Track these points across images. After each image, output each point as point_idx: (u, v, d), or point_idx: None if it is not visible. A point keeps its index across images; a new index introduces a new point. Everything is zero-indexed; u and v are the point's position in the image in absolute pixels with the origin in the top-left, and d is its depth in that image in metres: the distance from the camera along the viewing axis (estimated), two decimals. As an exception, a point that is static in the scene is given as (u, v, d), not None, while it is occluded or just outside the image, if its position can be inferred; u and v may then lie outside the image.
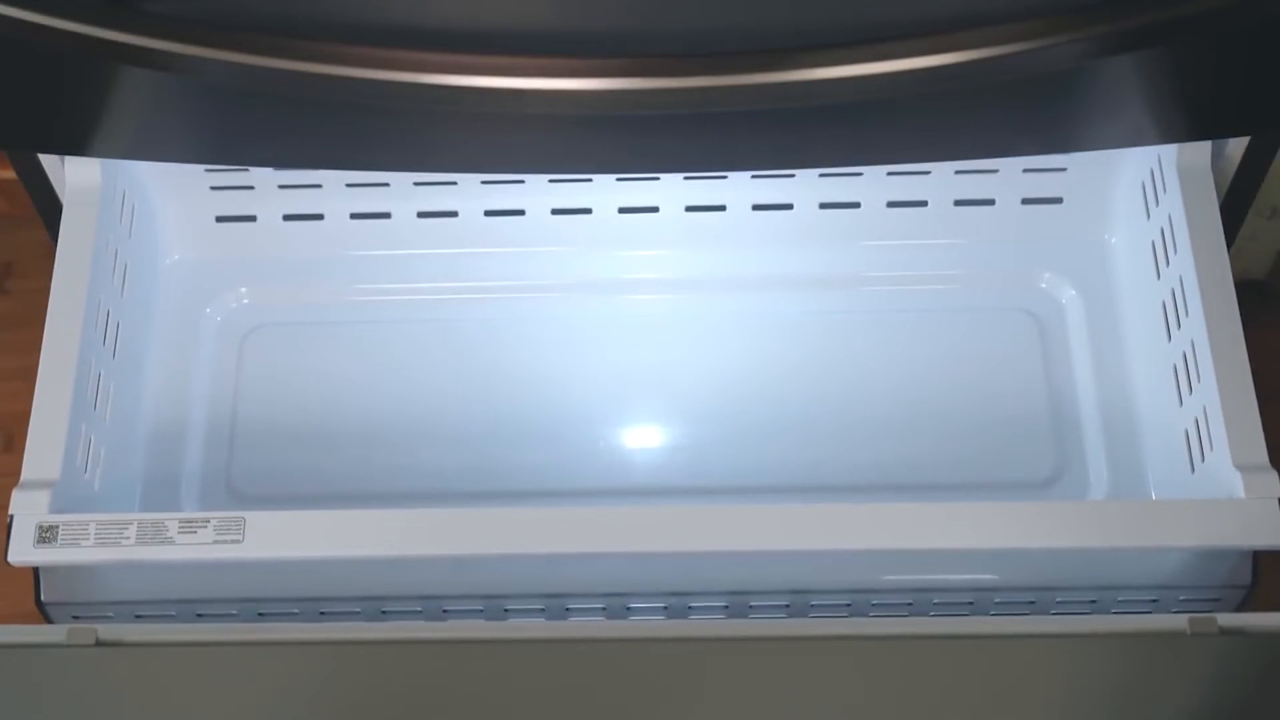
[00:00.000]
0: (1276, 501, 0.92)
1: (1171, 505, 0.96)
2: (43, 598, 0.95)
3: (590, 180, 1.11)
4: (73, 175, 1.04)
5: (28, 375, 0.97)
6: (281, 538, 0.92)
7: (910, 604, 0.98)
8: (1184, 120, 0.99)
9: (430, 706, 0.85)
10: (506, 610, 0.98)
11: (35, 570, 0.94)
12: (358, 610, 0.97)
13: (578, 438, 1.10)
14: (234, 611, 0.97)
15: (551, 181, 1.11)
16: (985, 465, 1.08)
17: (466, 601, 0.97)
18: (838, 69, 0.84)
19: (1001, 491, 1.05)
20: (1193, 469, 0.99)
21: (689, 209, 1.13)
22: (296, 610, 0.97)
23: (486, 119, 0.92)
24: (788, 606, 0.98)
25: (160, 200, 1.12)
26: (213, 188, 1.12)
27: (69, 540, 0.91)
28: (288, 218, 1.14)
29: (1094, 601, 0.97)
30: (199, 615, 0.97)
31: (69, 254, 1.02)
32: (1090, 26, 0.84)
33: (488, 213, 1.13)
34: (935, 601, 0.98)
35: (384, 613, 0.97)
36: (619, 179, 1.11)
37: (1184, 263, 1.01)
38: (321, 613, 0.97)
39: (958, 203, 1.13)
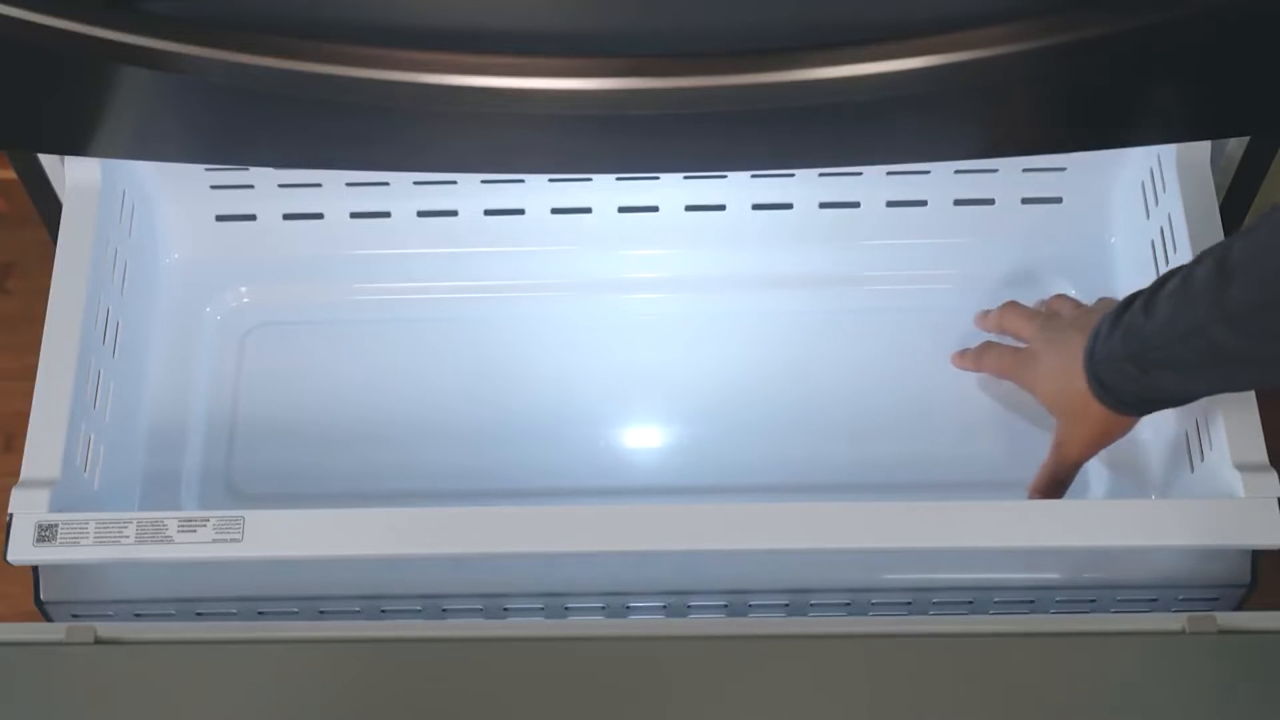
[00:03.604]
0: (1276, 501, 0.92)
1: (1171, 505, 0.96)
2: (42, 596, 0.95)
3: (590, 180, 1.11)
4: (73, 175, 1.04)
5: (28, 375, 0.97)
6: (281, 537, 0.92)
7: (910, 603, 0.98)
8: (1184, 120, 0.99)
9: (430, 705, 0.85)
10: (506, 609, 0.98)
11: (35, 569, 0.94)
12: (357, 609, 0.97)
13: (578, 437, 1.10)
14: (233, 610, 0.97)
15: (551, 181, 1.11)
16: (985, 465, 1.08)
17: (466, 600, 0.97)
18: (837, 69, 0.84)
19: (1001, 491, 1.05)
20: (1192, 469, 0.99)
21: (689, 209, 1.13)
22: (296, 609, 0.96)
23: (487, 119, 0.92)
24: (787, 605, 0.98)
25: (160, 200, 1.12)
26: (213, 187, 1.12)
27: (68, 539, 0.91)
28: (288, 217, 1.14)
29: (1093, 601, 0.97)
30: (198, 614, 0.97)
31: (69, 253, 1.02)
32: (1091, 27, 0.84)
33: (487, 212, 1.13)
34: (935, 601, 0.98)
35: (383, 611, 0.97)
36: (619, 178, 1.11)
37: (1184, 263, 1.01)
38: (321, 611, 0.97)
39: (957, 202, 1.13)
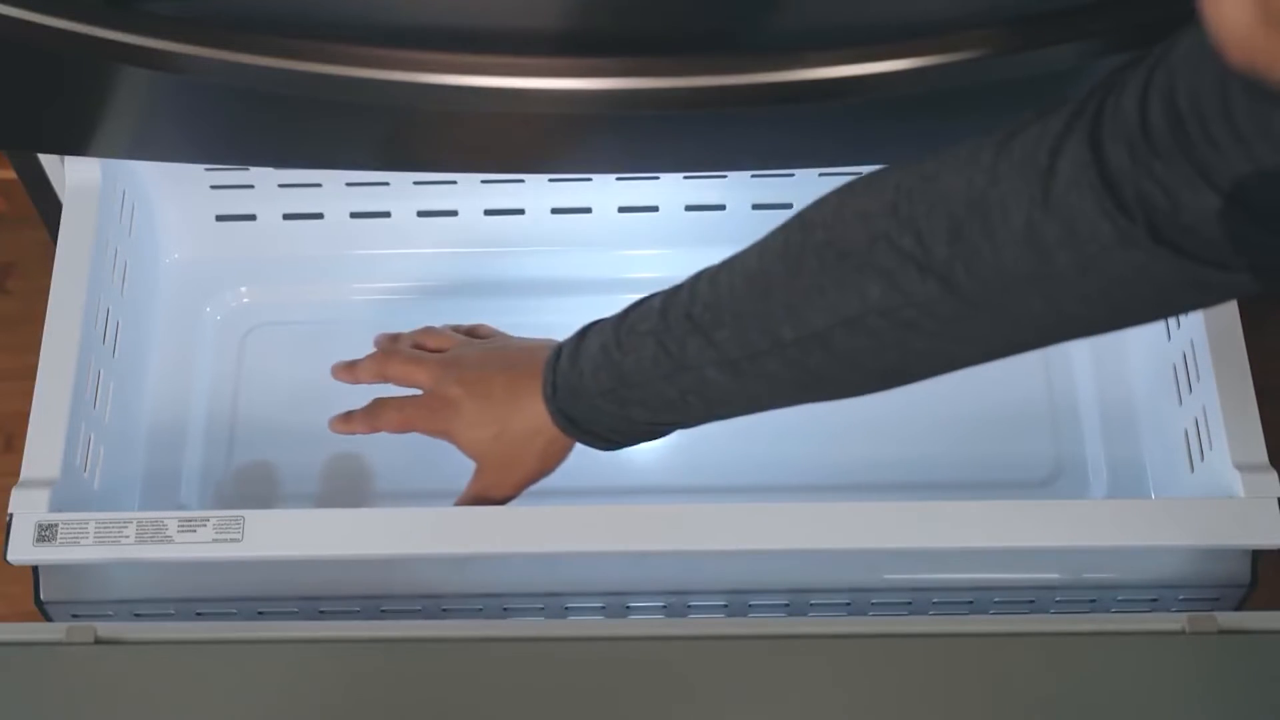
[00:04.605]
0: (1276, 501, 0.92)
1: (1171, 504, 0.96)
2: (42, 596, 0.95)
3: (590, 180, 1.11)
4: (73, 175, 1.04)
5: (28, 375, 0.97)
6: (281, 537, 0.92)
7: (910, 603, 0.98)
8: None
9: (429, 704, 0.85)
10: (506, 609, 0.98)
11: (35, 569, 0.94)
12: (357, 609, 0.97)
13: (578, 437, 1.09)
14: (233, 610, 0.97)
15: (551, 181, 1.11)
16: (985, 465, 1.08)
17: (466, 600, 0.97)
18: (836, 69, 0.84)
19: (1001, 491, 1.05)
20: (1192, 468, 0.99)
21: (689, 208, 1.13)
22: (295, 609, 0.96)
23: (487, 119, 0.92)
24: (787, 605, 0.98)
25: (160, 200, 1.12)
26: (213, 187, 1.12)
27: (68, 539, 0.91)
28: (288, 217, 1.14)
29: (1093, 601, 0.97)
30: (198, 613, 0.97)
31: (69, 254, 1.02)
32: (1087, 26, 0.84)
33: (488, 212, 1.13)
34: (935, 601, 0.98)
35: (383, 611, 0.97)
36: (619, 178, 1.11)
37: (1183, 262, 1.01)
38: (321, 611, 0.97)
39: (957, 202, 1.13)
